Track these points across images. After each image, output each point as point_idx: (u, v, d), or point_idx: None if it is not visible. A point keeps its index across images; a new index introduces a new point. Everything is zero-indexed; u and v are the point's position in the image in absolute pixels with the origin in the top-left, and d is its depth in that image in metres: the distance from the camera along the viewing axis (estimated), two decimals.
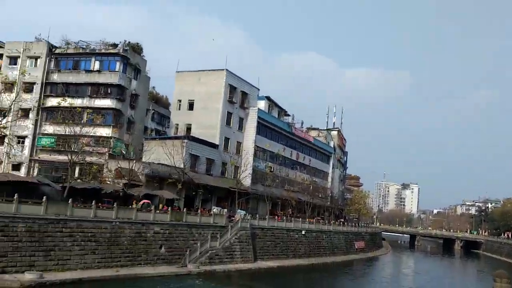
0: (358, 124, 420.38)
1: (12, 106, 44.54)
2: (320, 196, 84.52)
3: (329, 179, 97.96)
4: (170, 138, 58.45)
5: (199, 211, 47.57)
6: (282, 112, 79.42)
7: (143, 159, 51.16)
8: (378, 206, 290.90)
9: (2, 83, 49.49)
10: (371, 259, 75.56)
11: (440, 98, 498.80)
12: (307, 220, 66.14)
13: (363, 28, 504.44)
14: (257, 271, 45.73)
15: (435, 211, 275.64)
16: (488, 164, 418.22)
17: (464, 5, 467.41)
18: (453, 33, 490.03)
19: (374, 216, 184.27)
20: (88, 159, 47.14)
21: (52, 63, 55.53)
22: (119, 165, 47.76)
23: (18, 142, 53.42)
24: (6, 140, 49.92)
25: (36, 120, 53.55)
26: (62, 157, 47.98)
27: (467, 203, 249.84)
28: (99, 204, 37.33)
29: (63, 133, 47.13)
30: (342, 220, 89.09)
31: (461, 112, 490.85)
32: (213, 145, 60.20)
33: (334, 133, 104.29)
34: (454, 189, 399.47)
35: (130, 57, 55.19)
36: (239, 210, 54.56)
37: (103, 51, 54.77)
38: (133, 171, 45.39)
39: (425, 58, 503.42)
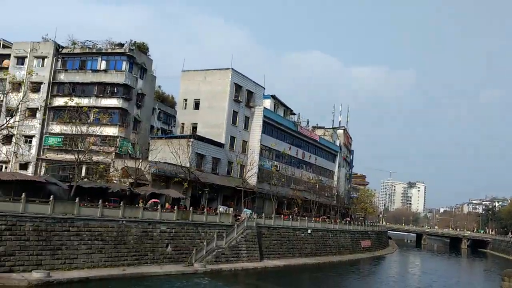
0: (364, 122, 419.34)
1: (20, 106, 44.78)
2: (326, 195, 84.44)
3: (335, 178, 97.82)
4: (176, 137, 58.57)
5: (205, 210, 47.62)
6: (288, 111, 79.36)
7: (149, 158, 51.32)
8: (384, 205, 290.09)
9: (9, 83, 49.88)
10: (377, 258, 75.39)
11: (446, 96, 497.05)
12: (313, 219, 66.11)
13: (367, 27, 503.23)
14: (263, 270, 45.76)
15: (441, 210, 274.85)
16: (495, 162, 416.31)
17: (468, 3, 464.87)
18: (457, 31, 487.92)
19: (380, 215, 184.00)
20: (94, 158, 47.34)
21: (59, 63, 55.85)
22: (125, 164, 47.95)
23: (26, 142, 53.78)
24: (13, 139, 50.27)
25: (43, 120, 53.87)
26: (69, 156, 48.24)
27: (474, 201, 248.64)
28: (106, 203, 37.47)
29: (70, 133, 47.34)
30: (348, 219, 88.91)
31: (468, 110, 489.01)
32: (219, 144, 60.27)
33: (340, 131, 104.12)
34: (460, 188, 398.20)
35: (136, 57, 55.37)
36: (245, 209, 54.61)
37: (109, 50, 55.00)
38: (140, 170, 45.52)
39: (431, 56, 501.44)
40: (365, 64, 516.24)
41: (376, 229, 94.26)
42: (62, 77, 55.51)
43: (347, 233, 72.08)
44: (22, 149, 52.01)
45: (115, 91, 54.23)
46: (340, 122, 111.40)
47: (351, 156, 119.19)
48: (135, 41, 56.43)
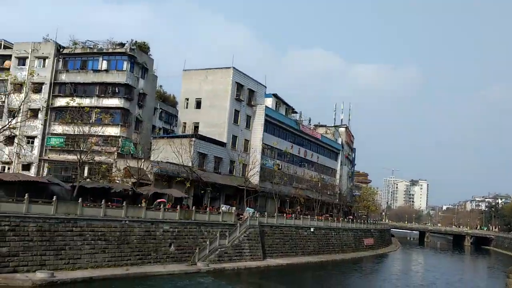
0: (366, 120, 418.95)
1: (21, 107, 44.84)
2: (328, 193, 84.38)
3: (337, 176, 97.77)
4: (178, 136, 58.62)
5: (207, 209, 47.67)
6: (290, 109, 79.32)
7: (152, 158, 51.40)
8: (387, 202, 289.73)
9: (11, 83, 49.88)
10: (380, 256, 75.36)
11: (449, 93, 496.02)
12: (316, 217, 66.08)
13: (370, 24, 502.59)
14: (266, 268, 45.76)
15: (444, 207, 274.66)
16: (498, 159, 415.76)
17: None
18: (461, 28, 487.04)
19: (383, 213, 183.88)
20: (97, 158, 47.41)
21: (60, 63, 55.88)
22: (127, 164, 47.98)
23: (28, 142, 53.82)
24: (16, 140, 50.32)
25: (45, 120, 53.92)
26: (71, 157, 48.25)
27: (477, 199, 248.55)
28: (109, 203, 37.52)
29: (72, 133, 47.35)
30: (351, 217, 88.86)
31: (471, 107, 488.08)
32: (221, 143, 60.29)
33: (342, 130, 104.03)
34: (463, 185, 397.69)
35: (137, 56, 55.37)
36: (247, 208, 54.62)
37: (110, 50, 55.00)
38: (142, 170, 45.56)
39: (434, 53, 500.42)
40: (367, 62, 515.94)
41: (379, 227, 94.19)
42: (63, 77, 55.54)
43: (350, 231, 72.05)
44: (24, 150, 52.08)
45: (117, 91, 54.26)
46: (342, 120, 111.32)
47: (353, 154, 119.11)
48: (136, 41, 56.44)
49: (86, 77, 54.95)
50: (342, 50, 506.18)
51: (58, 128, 53.93)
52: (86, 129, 44.43)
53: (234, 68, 63.13)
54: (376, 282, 49.71)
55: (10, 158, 53.19)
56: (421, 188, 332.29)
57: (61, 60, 55.95)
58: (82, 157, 42.40)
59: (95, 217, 34.24)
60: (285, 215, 59.64)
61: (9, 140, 48.00)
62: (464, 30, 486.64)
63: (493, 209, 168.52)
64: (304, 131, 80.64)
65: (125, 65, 54.23)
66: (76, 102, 49.06)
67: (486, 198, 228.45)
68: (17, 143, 50.77)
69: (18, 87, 50.48)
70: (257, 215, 51.02)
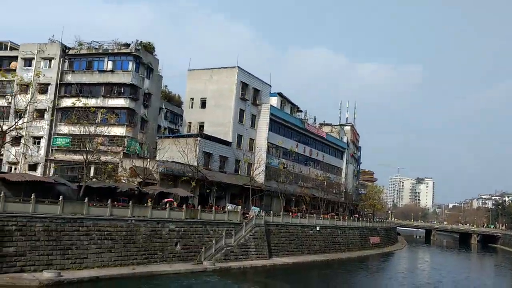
0: (372, 119, 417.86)
1: (28, 107, 45.09)
2: (334, 192, 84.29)
3: (343, 174, 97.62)
4: (183, 136, 58.74)
5: (213, 208, 47.75)
6: (295, 108, 79.28)
7: (157, 158, 51.55)
8: (393, 201, 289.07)
9: (17, 84, 50.22)
10: (386, 254, 75.20)
11: (454, 91, 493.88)
12: (322, 216, 66.00)
13: (373, 23, 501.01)
14: (272, 267, 45.79)
15: (450, 205, 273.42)
16: (505, 157, 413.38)
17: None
18: (466, 27, 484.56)
19: (389, 211, 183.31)
20: (103, 158, 47.58)
21: (66, 64, 56.15)
22: (133, 164, 48.15)
23: (34, 143, 54.14)
24: (22, 140, 50.62)
25: (51, 121, 54.21)
26: (78, 157, 48.47)
27: (484, 196, 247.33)
28: (115, 202, 37.66)
29: (78, 133, 47.61)
30: (357, 215, 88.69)
31: (476, 104, 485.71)
32: (226, 143, 60.36)
33: (347, 128, 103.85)
34: (469, 183, 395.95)
35: (143, 57, 55.54)
36: (253, 207, 54.64)
37: (115, 51, 55.20)
38: (148, 170, 45.70)
39: (438, 51, 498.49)
40: (371, 60, 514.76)
41: (385, 225, 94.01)
42: (69, 78, 55.81)
43: (356, 229, 71.96)
44: (31, 150, 52.40)
45: (122, 91, 54.46)
46: (347, 118, 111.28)
47: (359, 152, 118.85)
48: (141, 41, 56.64)
49: (92, 78, 55.20)
50: (345, 49, 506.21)
51: (64, 129, 54.19)
52: (92, 129, 44.59)
53: (239, 67, 63.17)
54: (382, 281, 49.62)
55: (16, 158, 53.54)
56: (427, 186, 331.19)
57: (66, 60, 56.22)
58: (88, 157, 42.57)
59: (101, 217, 34.40)
60: (290, 214, 59.63)
61: (16, 141, 48.32)
62: (469, 26, 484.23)
63: (500, 207, 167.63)
64: (309, 130, 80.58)
65: (131, 66, 54.42)
66: (82, 102, 49.30)
67: (493, 196, 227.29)
68: (23, 144, 51.09)
69: (24, 88, 50.82)
70: (263, 214, 51.05)
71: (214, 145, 57.90)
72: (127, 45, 55.09)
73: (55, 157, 53.99)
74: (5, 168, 53.26)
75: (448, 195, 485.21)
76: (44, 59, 56.01)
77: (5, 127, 37.20)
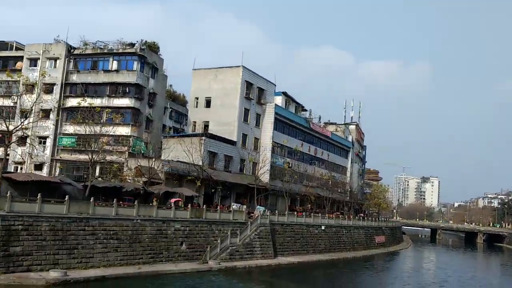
0: (377, 117, 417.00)
1: (33, 107, 45.23)
2: (339, 191, 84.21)
3: (348, 173, 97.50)
4: (188, 135, 58.80)
5: (218, 207, 47.80)
6: (299, 107, 79.22)
7: (162, 157, 51.63)
8: (398, 200, 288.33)
9: (23, 84, 50.40)
10: (391, 253, 75.04)
11: (460, 90, 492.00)
12: (327, 215, 65.93)
13: (379, 20, 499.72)
14: (277, 267, 45.79)
15: (456, 205, 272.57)
16: (511, 155, 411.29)
17: None
18: (471, 22, 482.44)
19: (394, 210, 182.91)
20: (108, 158, 47.68)
21: (71, 64, 56.37)
22: (138, 163, 48.27)
23: (40, 143, 54.38)
24: (28, 140, 50.81)
25: (57, 121, 54.43)
26: (83, 157, 48.68)
27: (489, 195, 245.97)
28: (120, 202, 37.72)
29: (83, 133, 47.80)
30: (362, 214, 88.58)
31: (483, 103, 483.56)
32: (231, 142, 60.40)
33: (352, 127, 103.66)
34: (475, 182, 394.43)
35: (147, 56, 55.65)
36: (258, 206, 54.66)
37: (120, 50, 55.37)
38: (153, 169, 45.78)
39: (445, 48, 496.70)
40: (377, 58, 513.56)
41: (390, 225, 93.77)
42: (74, 78, 56.01)
43: (361, 229, 71.84)
44: (36, 150, 52.62)
45: (127, 91, 54.59)
46: (352, 117, 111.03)
47: (364, 151, 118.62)
48: (146, 41, 56.75)
49: (97, 78, 55.37)
50: (351, 47, 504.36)
51: (70, 128, 54.38)
52: (97, 129, 44.72)
53: (243, 66, 63.16)
54: (387, 280, 49.52)
55: (22, 158, 53.80)
56: (432, 185, 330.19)
57: (72, 60, 56.44)
58: (93, 156, 42.69)
59: (107, 216, 34.50)
60: (295, 213, 59.61)
61: (22, 141, 48.50)
62: (476, 23, 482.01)
63: (506, 206, 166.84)
64: (314, 129, 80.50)
65: (135, 65, 54.56)
66: (87, 102, 49.45)
67: (499, 195, 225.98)
68: (29, 144, 51.29)
69: (30, 88, 51.01)
70: (268, 213, 51.08)
71: (219, 145, 57.95)
72: (132, 45, 55.24)
73: (60, 157, 54.21)
74: (11, 168, 53.48)
75: (454, 194, 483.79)
76: (50, 59, 56.23)
77: (11, 127, 37.30)
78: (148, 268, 34.55)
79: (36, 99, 45.87)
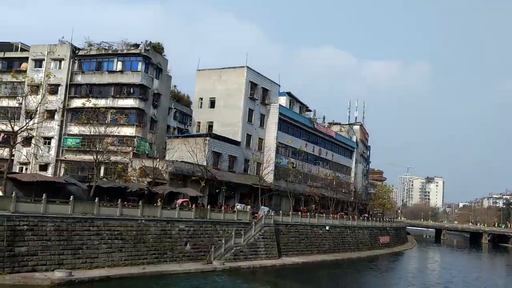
0: (381, 117, 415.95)
1: (38, 108, 45.45)
2: (343, 191, 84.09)
3: (352, 174, 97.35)
4: (192, 136, 58.88)
5: (222, 208, 47.83)
6: (304, 107, 79.16)
7: (167, 158, 51.75)
8: (402, 200, 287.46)
9: (28, 85, 50.59)
10: (396, 254, 74.86)
11: (463, 89, 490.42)
12: (331, 215, 65.89)
13: (379, 20, 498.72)
14: (282, 267, 45.77)
15: (460, 205, 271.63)
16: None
17: None
18: (471, 22, 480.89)
19: (399, 211, 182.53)
20: (113, 158, 47.86)
21: (76, 65, 56.56)
22: (143, 164, 48.36)
23: (45, 143, 54.58)
24: (33, 141, 51.02)
25: (62, 121, 54.59)
26: (88, 157, 48.84)
27: (494, 196, 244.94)
28: (125, 202, 37.84)
29: (88, 133, 47.81)
30: (366, 215, 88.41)
31: (486, 103, 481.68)
32: (235, 142, 60.44)
33: (356, 127, 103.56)
34: (480, 182, 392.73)
35: (152, 57, 55.77)
36: (262, 207, 54.67)
37: (125, 51, 55.49)
38: (157, 170, 45.88)
39: (446, 48, 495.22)
40: (378, 58, 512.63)
41: (395, 225, 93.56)
42: (79, 78, 56.20)
43: (365, 229, 71.74)
44: (41, 150, 52.80)
45: (132, 92, 54.73)
46: (356, 117, 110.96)
47: (368, 152, 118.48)
48: (150, 42, 56.82)
49: (102, 78, 55.52)
50: (352, 47, 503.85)
51: (74, 129, 54.56)
52: (101, 129, 44.83)
53: (247, 67, 63.20)
54: (392, 280, 49.42)
55: (27, 158, 54.00)
56: (436, 186, 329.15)
57: (76, 61, 56.63)
58: (98, 157, 42.82)
59: (111, 217, 34.61)
60: (300, 213, 59.59)
61: (27, 141, 48.75)
62: (476, 24, 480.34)
63: (511, 206, 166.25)
64: (318, 129, 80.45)
65: (140, 66, 54.68)
66: (91, 103, 49.62)
67: (504, 195, 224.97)
68: (34, 144, 51.48)
69: (35, 88, 51.17)
70: (272, 214, 51.08)
71: (223, 145, 58.00)
72: (136, 46, 55.36)
73: (65, 158, 54.38)
74: (16, 168, 53.70)
75: (458, 194, 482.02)
76: (54, 60, 56.44)
77: (16, 128, 37.50)
78: (153, 268, 34.62)
79: (41, 100, 46.03)
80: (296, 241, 53.41)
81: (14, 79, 53.42)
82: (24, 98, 46.10)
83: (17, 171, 52.27)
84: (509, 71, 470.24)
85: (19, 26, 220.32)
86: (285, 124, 69.50)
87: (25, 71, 55.66)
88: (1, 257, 27.47)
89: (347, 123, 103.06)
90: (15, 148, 43.04)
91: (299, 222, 55.24)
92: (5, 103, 52.62)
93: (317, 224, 58.26)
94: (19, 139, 40.97)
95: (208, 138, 55.39)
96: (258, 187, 57.09)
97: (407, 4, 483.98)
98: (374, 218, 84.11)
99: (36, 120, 45.93)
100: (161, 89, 58.39)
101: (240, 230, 44.65)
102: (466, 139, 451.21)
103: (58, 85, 55.42)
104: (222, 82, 63.84)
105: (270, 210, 53.40)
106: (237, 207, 50.99)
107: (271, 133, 66.52)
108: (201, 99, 65.33)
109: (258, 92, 65.10)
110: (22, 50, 59.98)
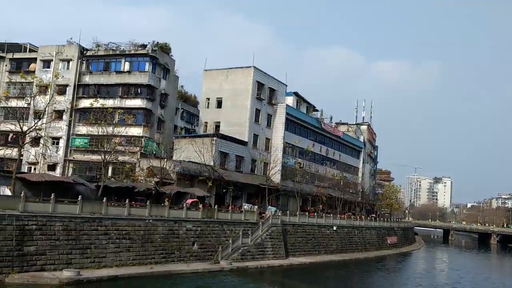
0: (388, 117, 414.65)
1: (47, 108, 45.71)
2: (350, 191, 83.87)
3: (360, 174, 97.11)
4: (199, 136, 58.97)
5: (230, 208, 47.85)
6: (311, 107, 79.06)
7: (174, 158, 51.85)
8: (410, 200, 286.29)
9: (36, 86, 50.94)
10: (404, 254, 74.56)
11: (472, 89, 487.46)
12: (338, 215, 65.73)
13: (389, 20, 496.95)
14: (289, 267, 45.72)
15: (469, 205, 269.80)
16: None
17: None
18: (482, 21, 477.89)
19: (406, 211, 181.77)
20: (120, 158, 48.05)
21: (84, 65, 56.87)
22: (150, 164, 48.51)
23: (53, 143, 54.91)
24: (41, 141, 51.35)
25: (70, 121, 54.95)
26: (96, 157, 49.06)
27: (503, 196, 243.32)
28: (133, 202, 37.95)
29: (96, 134, 48.07)
30: (374, 215, 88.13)
31: (495, 103, 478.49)
32: (242, 142, 60.46)
33: (364, 127, 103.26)
34: (488, 182, 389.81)
35: (159, 57, 55.95)
36: (269, 207, 54.65)
37: (132, 52, 55.76)
38: (165, 169, 45.99)
39: (456, 48, 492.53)
40: (387, 58, 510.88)
41: (402, 225, 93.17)
42: (87, 79, 56.49)
43: (373, 229, 71.51)
44: (50, 150, 53.11)
45: (139, 92, 54.95)
46: (363, 117, 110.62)
47: (376, 152, 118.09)
48: (157, 42, 57.04)
49: (109, 79, 55.79)
50: (361, 47, 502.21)
51: (82, 129, 54.86)
52: (109, 129, 44.97)
53: (254, 67, 63.20)
54: (399, 281, 49.22)
55: (36, 158, 54.38)
56: (444, 186, 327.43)
57: (84, 62, 56.94)
58: (106, 157, 42.97)
59: (119, 216, 34.72)
60: (307, 213, 59.50)
61: (35, 141, 49.07)
62: (485, 23, 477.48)
63: None
64: (325, 129, 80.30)
65: (147, 66, 54.88)
66: (99, 103, 49.79)
67: None
68: (42, 144, 51.85)
69: (43, 89, 51.52)
70: (279, 214, 51.03)
71: (230, 145, 58.04)
72: (143, 46, 55.57)
73: (73, 157, 54.69)
74: (25, 168, 54.08)
75: (467, 194, 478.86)
76: (63, 60, 56.78)
77: (25, 128, 37.69)
78: (160, 268, 34.69)
79: (49, 100, 46.40)
80: (304, 241, 53.34)
81: (23, 80, 53.93)
82: (32, 98, 46.49)
83: (26, 171, 52.65)
84: None
85: (26, 27, 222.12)
86: (292, 124, 69.44)
87: (33, 72, 56.07)
88: (10, 257, 27.63)
89: (354, 123, 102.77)
90: (23, 148, 43.28)
91: (307, 222, 55.15)
92: (14, 103, 53.15)
93: (325, 224, 58.13)
94: (27, 139, 41.11)
95: (215, 138, 55.47)
96: (265, 187, 57.08)
97: (418, 4, 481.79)
98: (381, 219, 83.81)
99: (44, 120, 46.13)
100: (168, 89, 58.56)
101: (247, 230, 44.65)
102: (474, 139, 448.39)
103: (66, 85, 55.76)
104: (229, 82, 63.90)
105: (277, 210, 53.36)
106: (244, 207, 50.99)
107: (278, 133, 66.47)
108: (208, 99, 65.42)
109: (265, 92, 65.09)
110: (31, 51, 60.40)
